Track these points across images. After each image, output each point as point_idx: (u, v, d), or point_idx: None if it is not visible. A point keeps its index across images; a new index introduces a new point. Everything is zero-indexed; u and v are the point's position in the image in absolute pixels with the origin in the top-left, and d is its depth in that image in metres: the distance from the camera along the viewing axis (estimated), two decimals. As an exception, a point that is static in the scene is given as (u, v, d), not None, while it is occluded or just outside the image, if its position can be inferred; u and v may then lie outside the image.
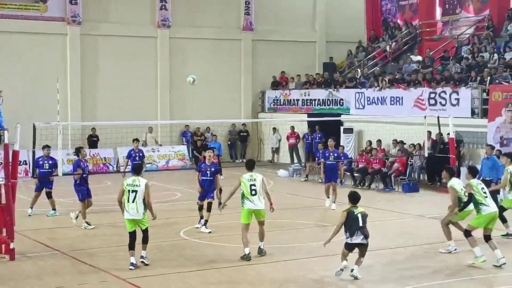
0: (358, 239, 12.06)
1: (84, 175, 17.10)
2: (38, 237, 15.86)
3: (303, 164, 28.59)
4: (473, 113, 23.96)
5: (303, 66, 34.44)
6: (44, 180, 18.30)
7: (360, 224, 12.05)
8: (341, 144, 26.63)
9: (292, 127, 30.61)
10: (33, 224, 17.37)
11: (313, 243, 14.79)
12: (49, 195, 18.52)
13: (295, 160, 30.33)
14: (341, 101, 29.42)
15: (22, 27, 29.62)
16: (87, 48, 31.16)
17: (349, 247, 12.22)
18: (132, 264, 12.69)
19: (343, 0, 36.18)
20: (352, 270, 12.06)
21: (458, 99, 24.27)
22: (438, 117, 20.82)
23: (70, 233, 16.43)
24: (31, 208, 18.47)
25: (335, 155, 20.01)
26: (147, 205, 12.77)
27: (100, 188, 22.44)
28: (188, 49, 33.02)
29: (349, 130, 28.18)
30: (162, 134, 31.41)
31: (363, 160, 24.92)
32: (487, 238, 13.26)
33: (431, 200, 20.46)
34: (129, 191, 12.69)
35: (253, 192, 13.48)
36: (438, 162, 22.63)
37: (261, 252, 13.73)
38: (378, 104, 27.45)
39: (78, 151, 17.68)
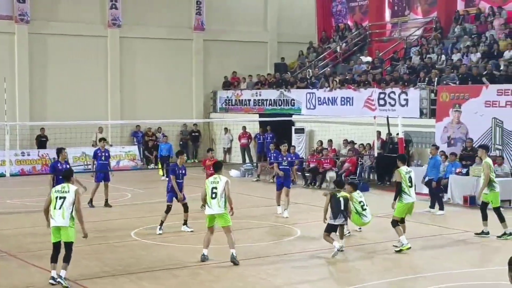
0: (340, 220, 13.54)
1: (61, 177, 15.35)
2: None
3: (255, 164, 28.67)
4: (421, 113, 24.36)
5: (255, 66, 34.55)
6: None
7: (342, 208, 13.47)
8: (293, 144, 26.77)
9: (244, 127, 30.66)
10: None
11: (266, 243, 14.86)
12: None
13: (247, 160, 30.39)
14: (293, 101, 29.59)
15: (-32, 26, 29.11)
16: (35, 47, 30.70)
17: (331, 228, 13.51)
18: (52, 278, 11.66)
19: (294, 1, 36.39)
20: (341, 247, 13.47)
21: (407, 100, 24.64)
22: (387, 117, 21.14)
23: (18, 235, 16.17)
24: None
25: (289, 159, 19.10)
26: (77, 214, 11.75)
27: (49, 189, 22.07)
28: (139, 49, 32.80)
29: (300, 130, 28.36)
30: (113, 134, 31.07)
31: (314, 160, 25.10)
32: (403, 220, 14.32)
33: (381, 199, 20.70)
34: (56, 197, 11.74)
35: (213, 196, 13.10)
36: (388, 162, 22.98)
37: (234, 259, 13.08)
38: (329, 104, 27.69)
39: (59, 151, 16.88)
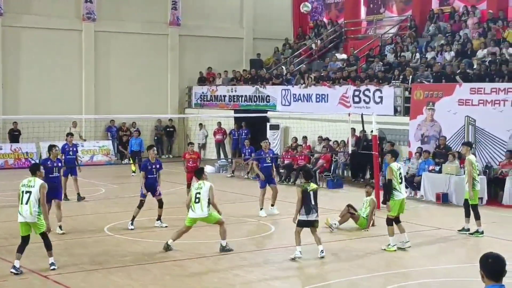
0: (313, 216, 12.91)
1: (51, 175, 15.37)
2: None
3: (230, 160, 28.66)
4: (395, 111, 24.50)
5: (230, 62, 34.50)
6: None
7: (312, 202, 12.86)
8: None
9: (219, 123, 30.61)
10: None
11: (240, 238, 14.87)
12: None
13: (222, 156, 30.36)
14: (268, 97, 29.61)
15: None
16: (8, 41, 30.37)
17: (303, 224, 12.88)
18: (14, 267, 11.89)
19: (270, -3, 36.42)
20: (322, 252, 12.92)
21: (381, 97, 24.76)
22: (362, 115, 21.21)
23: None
24: None
25: (271, 155, 18.73)
26: (41, 208, 11.79)
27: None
28: (114, 43, 32.60)
29: (275, 127, 28.39)
30: (87, 129, 30.89)
31: (289, 157, 25.16)
32: (397, 220, 13.97)
33: (355, 196, 20.79)
34: (23, 192, 11.79)
35: (197, 200, 13.34)
36: (362, 159, 23.11)
37: (223, 249, 13.50)
38: (304, 101, 27.73)
39: (49, 149, 16.26)
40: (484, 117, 21.11)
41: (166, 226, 16.01)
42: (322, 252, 13.01)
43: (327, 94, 26.76)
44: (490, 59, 23.55)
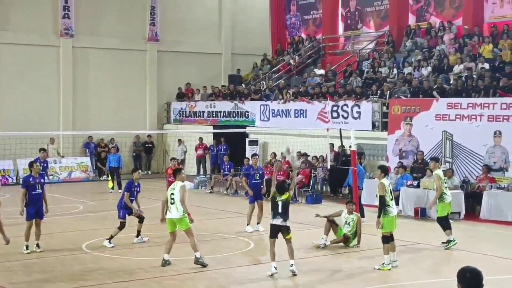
0: (278, 221, 13.04)
1: (33, 192, 15.04)
2: None
3: (209, 176, 28.60)
4: (373, 126, 24.64)
5: (209, 77, 34.53)
6: None
7: (279, 211, 13.03)
8: (246, 156, 26.81)
9: (201, 138, 30.55)
10: None
11: (220, 255, 14.82)
12: None
13: (201, 172, 30.29)
14: (247, 113, 29.63)
15: None
16: (-15, 56, 30.19)
17: (272, 228, 13.11)
18: None
19: (249, 13, 36.51)
20: (292, 265, 12.89)
21: (359, 112, 24.89)
22: (340, 130, 21.26)
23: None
24: None
25: (260, 172, 18.78)
26: None
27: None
28: (92, 59, 32.50)
29: (254, 142, 28.40)
30: (65, 145, 30.70)
31: (268, 172, 25.11)
32: (391, 237, 13.79)
33: (334, 211, 20.83)
34: None
35: (172, 201, 13.60)
36: (340, 174, 23.16)
37: (197, 261, 13.58)
38: (282, 116, 27.81)
39: (30, 165, 15.77)
40: (461, 132, 21.29)
41: (147, 239, 15.98)
42: (292, 266, 12.89)
43: (306, 110, 26.85)
44: (466, 74, 23.78)
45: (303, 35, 35.07)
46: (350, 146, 20.87)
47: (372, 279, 13.05)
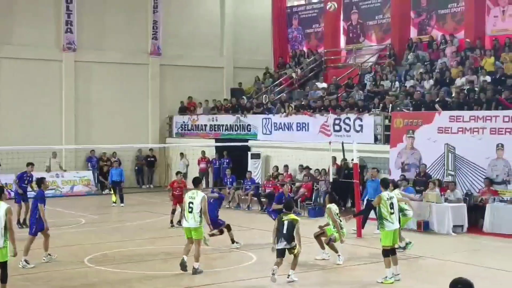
0: (281, 245, 13.15)
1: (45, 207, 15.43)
2: None
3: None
4: (376, 139, 24.62)
5: (211, 91, 34.56)
6: None
7: (284, 231, 13.08)
8: (249, 169, 26.84)
9: (203, 152, 30.54)
10: None
11: (221, 269, 14.78)
12: None
13: (204, 186, 30.22)
14: (249, 126, 29.65)
15: None
16: (-12, 71, 30.28)
17: (277, 252, 13.20)
18: None
19: (251, 27, 36.59)
20: (288, 276, 13.15)
21: (361, 126, 24.89)
22: (342, 143, 21.27)
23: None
24: None
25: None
26: (9, 232, 11.47)
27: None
28: (94, 73, 32.56)
29: (256, 156, 28.39)
30: (67, 159, 30.72)
31: (270, 185, 25.12)
32: (393, 251, 13.69)
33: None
34: None
35: (190, 210, 13.94)
36: (343, 187, 23.14)
37: (195, 272, 13.88)
38: (284, 129, 27.81)
39: (41, 182, 15.87)
40: (463, 145, 21.27)
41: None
42: (289, 277, 13.20)
43: (308, 123, 26.86)
44: (468, 87, 23.79)
45: (305, 49, 35.14)
46: (353, 159, 20.87)
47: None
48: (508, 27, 26.84)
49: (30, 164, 21.41)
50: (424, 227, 19.99)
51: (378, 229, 13.78)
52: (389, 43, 30.53)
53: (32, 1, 31.13)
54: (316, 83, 31.05)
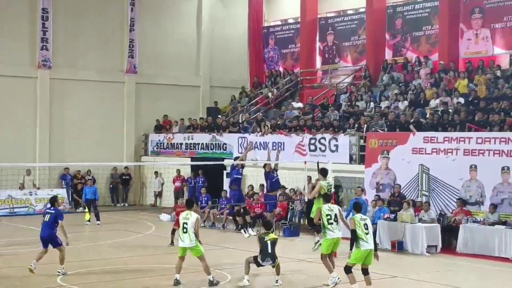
0: (267, 263, 14.54)
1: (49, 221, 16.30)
2: None
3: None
4: (351, 159, 24.75)
5: (187, 110, 34.52)
6: None
7: (269, 251, 14.31)
8: (224, 188, 26.78)
9: (178, 170, 30.45)
10: None
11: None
12: None
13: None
14: (224, 145, 29.65)
15: None
16: (-38, 87, 29.99)
17: (258, 265, 14.70)
18: None
19: (227, 46, 36.68)
20: (276, 281, 14.58)
21: (337, 145, 25.02)
22: (317, 163, 21.33)
23: None
24: None
25: None
26: None
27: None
28: (69, 91, 32.36)
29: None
30: (41, 176, 30.44)
31: (246, 204, 25.05)
32: (365, 272, 13.86)
33: (311, 244, 20.82)
34: None
35: (184, 230, 14.63)
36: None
37: (211, 284, 14.65)
38: (260, 149, 27.84)
39: (55, 200, 16.93)
40: (437, 165, 21.45)
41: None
42: (277, 282, 14.64)
43: (284, 142, 26.92)
44: (442, 108, 24.05)
45: (281, 69, 35.31)
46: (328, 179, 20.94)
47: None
48: (481, 50, 27.27)
49: None
50: (398, 247, 20.08)
51: (350, 249, 13.98)
52: (365, 64, 30.80)
53: (7, 18, 30.92)
54: (292, 103, 31.18)
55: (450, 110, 23.58)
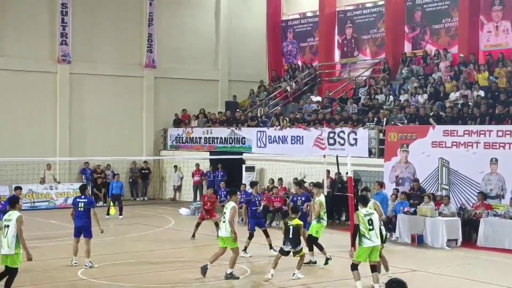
0: (287, 247, 14.55)
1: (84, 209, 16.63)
2: None
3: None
4: (370, 152, 24.68)
5: (206, 104, 34.58)
6: None
7: (290, 236, 14.42)
8: (243, 182, 26.79)
9: (197, 165, 30.54)
10: None
11: (214, 281, 14.74)
12: None
13: (198, 198, 30.22)
14: (243, 139, 29.68)
15: None
16: (-17, 82, 30.25)
17: (282, 252, 14.69)
18: None
19: (246, 40, 36.69)
20: (293, 274, 14.49)
21: (356, 139, 24.95)
22: (337, 156, 21.26)
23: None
24: None
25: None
26: (19, 239, 12.37)
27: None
28: (89, 85, 32.55)
29: (251, 169, 28.40)
30: (61, 171, 30.65)
31: (265, 198, 25.08)
32: (373, 268, 13.57)
33: (330, 238, 20.77)
34: (4, 226, 12.41)
35: (223, 220, 14.92)
36: (337, 201, 23.15)
37: (227, 277, 14.72)
38: (279, 143, 27.85)
39: (85, 187, 17.52)
40: (457, 159, 21.33)
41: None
42: (294, 275, 14.57)
43: (302, 136, 26.90)
44: (462, 101, 23.89)
45: (300, 62, 35.24)
46: (347, 173, 20.86)
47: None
48: (502, 42, 27.03)
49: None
50: (418, 241, 20.00)
51: (352, 245, 13.95)
52: (383, 58, 30.66)
53: (27, 14, 31.15)
54: (311, 97, 31.12)
55: (470, 103, 23.42)
